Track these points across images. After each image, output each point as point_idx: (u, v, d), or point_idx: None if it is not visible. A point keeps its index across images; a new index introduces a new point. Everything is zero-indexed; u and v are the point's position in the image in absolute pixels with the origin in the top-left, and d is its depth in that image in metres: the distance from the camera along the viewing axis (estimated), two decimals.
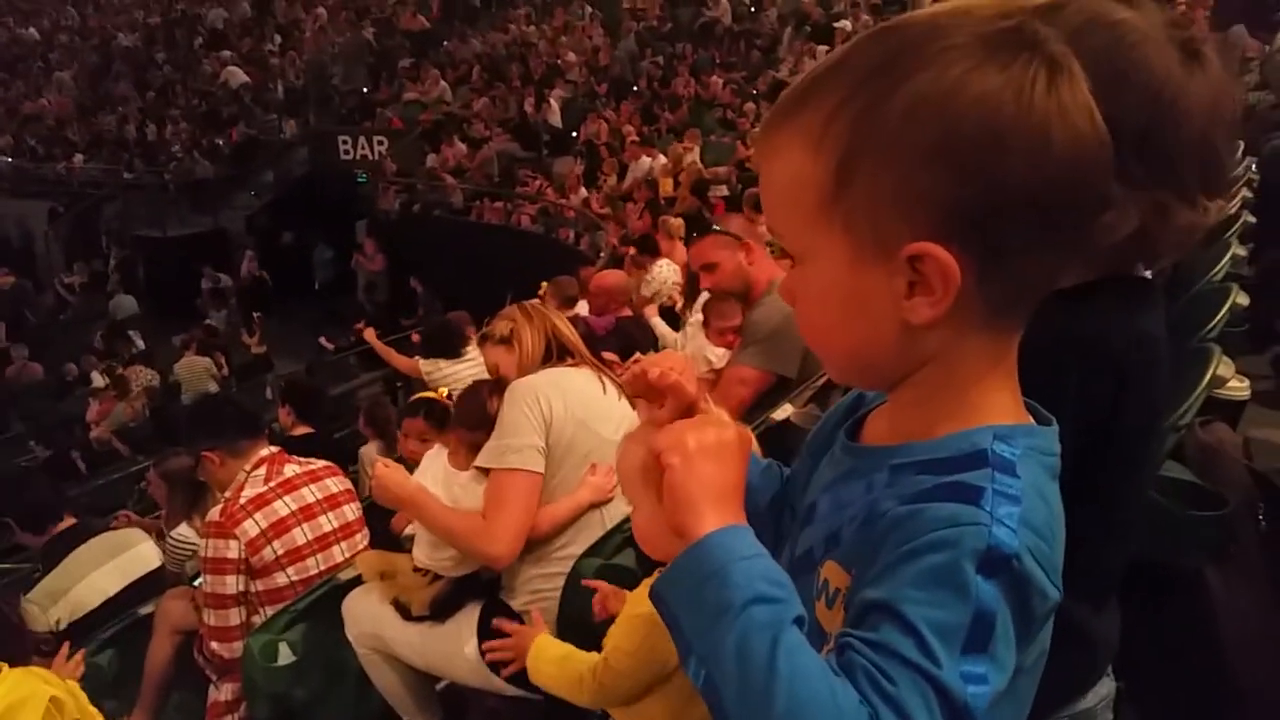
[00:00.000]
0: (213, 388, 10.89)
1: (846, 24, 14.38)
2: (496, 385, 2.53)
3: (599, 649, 2.12)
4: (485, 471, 2.44)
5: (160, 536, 4.09)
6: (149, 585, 3.49)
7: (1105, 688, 1.19)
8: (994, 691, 0.69)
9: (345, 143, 16.62)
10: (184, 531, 4.15)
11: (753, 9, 17.52)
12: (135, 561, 3.54)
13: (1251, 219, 3.42)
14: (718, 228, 3.58)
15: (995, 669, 0.69)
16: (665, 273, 8.54)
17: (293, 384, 5.86)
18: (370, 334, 7.13)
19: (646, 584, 1.55)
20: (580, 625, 2.27)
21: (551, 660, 1.56)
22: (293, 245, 16.52)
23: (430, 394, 3.45)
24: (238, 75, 20.58)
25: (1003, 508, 0.71)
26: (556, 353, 2.62)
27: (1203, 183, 1.07)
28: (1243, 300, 2.26)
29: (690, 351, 3.83)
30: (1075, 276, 1.07)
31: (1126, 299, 1.09)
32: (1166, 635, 1.65)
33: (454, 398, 2.77)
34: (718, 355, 3.69)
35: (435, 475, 2.55)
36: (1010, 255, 0.73)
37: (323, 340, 12.61)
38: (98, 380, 11.86)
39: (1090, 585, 1.06)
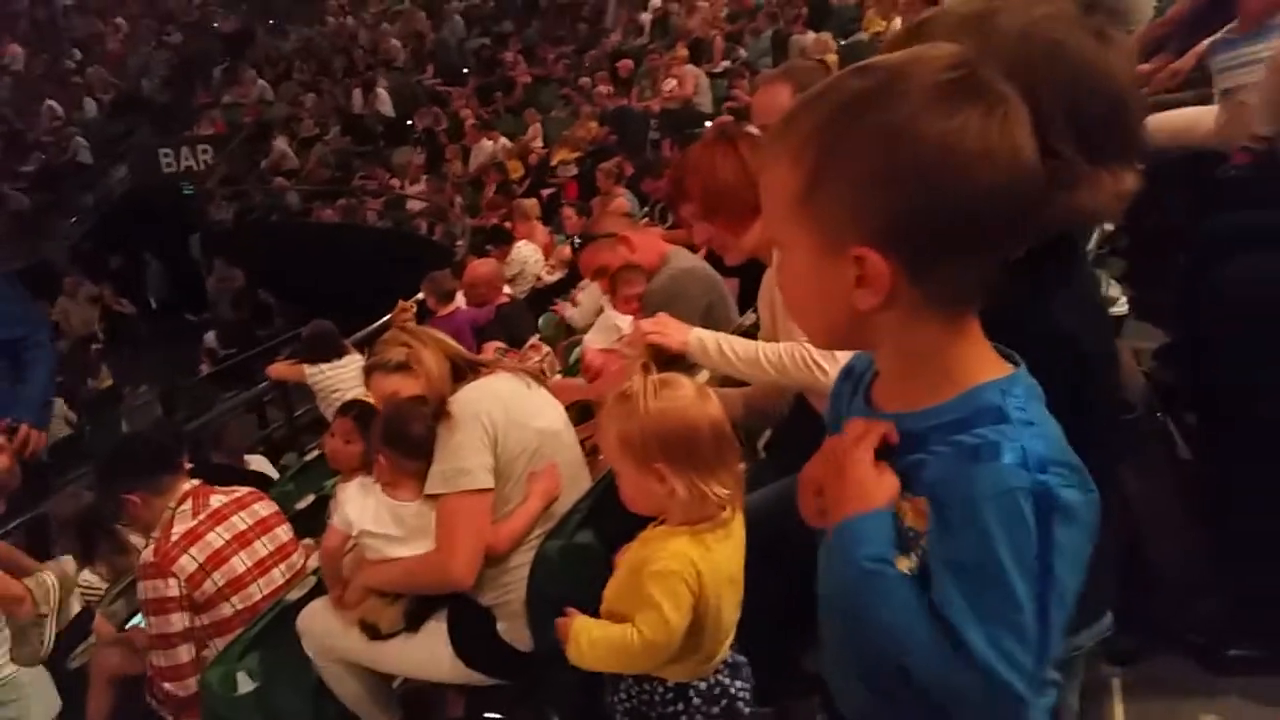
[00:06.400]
0: (65, 430, 10.28)
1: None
2: (427, 405, 2.47)
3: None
4: (433, 496, 2.43)
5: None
6: (73, 635, 3.37)
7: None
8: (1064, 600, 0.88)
9: (166, 155, 15.85)
10: (86, 577, 4.01)
11: None
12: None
13: None
14: (591, 235, 3.66)
15: (1059, 580, 0.87)
16: (525, 252, 8.59)
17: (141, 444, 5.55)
18: (274, 369, 6.93)
19: (650, 539, 1.66)
20: (549, 606, 2.36)
21: (597, 637, 1.68)
22: (123, 269, 15.69)
23: (364, 398, 3.40)
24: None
25: (1031, 455, 0.87)
26: (466, 368, 2.57)
27: (1126, 151, 1.20)
28: (1107, 226, 2.50)
29: (600, 322, 3.91)
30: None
31: (1069, 279, 1.22)
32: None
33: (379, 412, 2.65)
34: (626, 323, 3.77)
35: (376, 515, 2.50)
36: (940, 263, 0.90)
37: (203, 367, 12.09)
38: None
39: None
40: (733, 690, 1.74)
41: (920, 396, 0.96)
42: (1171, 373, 2.43)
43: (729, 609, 1.69)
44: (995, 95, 0.89)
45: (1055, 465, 0.88)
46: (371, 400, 2.86)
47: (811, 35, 10.77)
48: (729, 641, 1.73)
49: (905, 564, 0.94)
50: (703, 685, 1.72)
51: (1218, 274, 2.19)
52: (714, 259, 3.68)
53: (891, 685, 0.91)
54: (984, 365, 0.95)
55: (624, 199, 8.53)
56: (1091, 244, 2.27)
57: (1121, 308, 2.38)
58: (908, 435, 0.96)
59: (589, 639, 1.68)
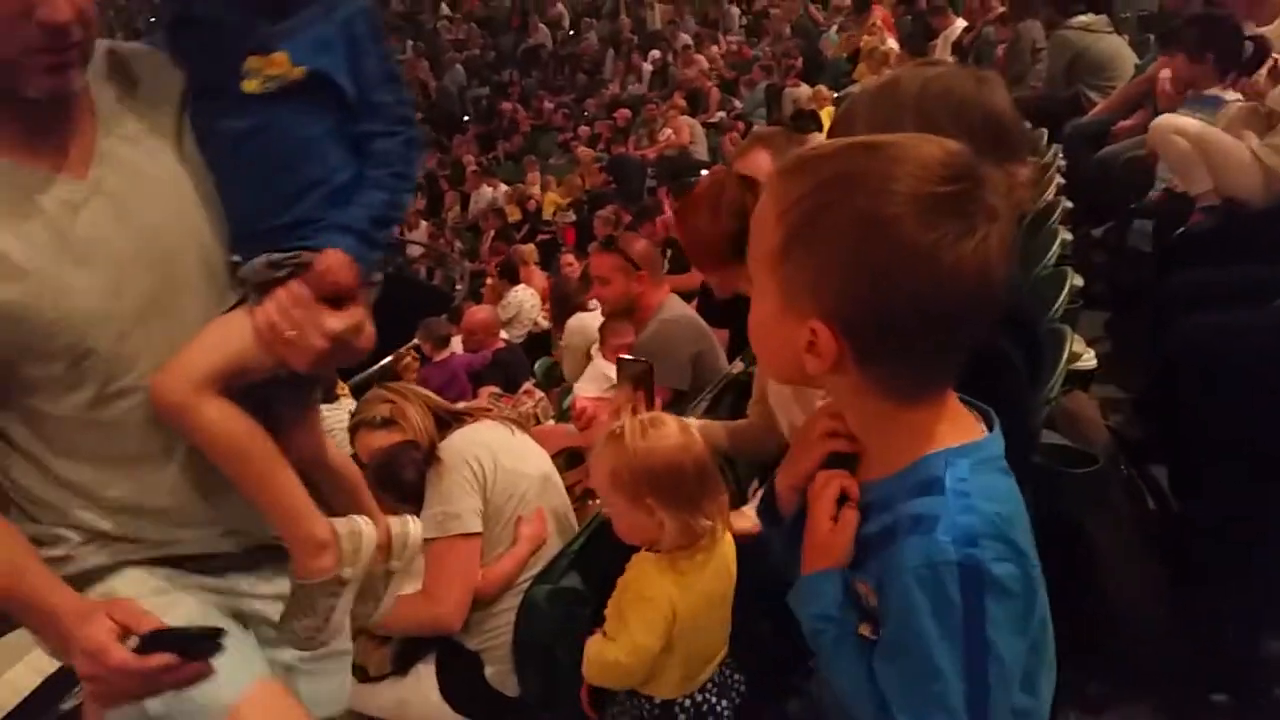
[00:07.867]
0: None
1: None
2: (419, 450, 2.52)
3: (552, 670, 2.29)
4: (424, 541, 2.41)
5: None
6: (68, 681, 3.39)
7: None
8: (1005, 672, 0.89)
9: None
10: None
11: (572, 32, 17.84)
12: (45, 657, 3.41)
13: (1069, 204, 3.75)
14: (623, 249, 3.72)
15: (997, 656, 0.88)
16: (523, 296, 8.68)
17: None
18: None
19: (638, 562, 1.78)
20: (535, 650, 2.41)
21: (591, 654, 1.80)
22: None
23: None
24: None
25: (961, 529, 0.89)
26: (450, 418, 2.62)
27: (1006, 152, 1.42)
28: (1078, 281, 2.58)
29: (589, 371, 3.98)
30: None
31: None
32: (1059, 581, 1.91)
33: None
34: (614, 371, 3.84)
35: None
36: (889, 354, 0.92)
37: None
38: None
39: None
40: (719, 709, 1.82)
41: (877, 464, 0.99)
42: (1139, 426, 2.51)
43: (712, 628, 1.79)
44: (983, 215, 0.89)
45: (987, 539, 0.88)
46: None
47: (806, 88, 10.93)
48: (716, 660, 1.83)
49: (866, 629, 0.96)
50: (688, 703, 1.81)
51: (1173, 331, 2.28)
52: (704, 310, 3.78)
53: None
54: (937, 434, 0.96)
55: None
56: (1063, 297, 2.36)
57: (1089, 362, 2.47)
58: (867, 505, 0.99)
59: (587, 653, 1.79)
